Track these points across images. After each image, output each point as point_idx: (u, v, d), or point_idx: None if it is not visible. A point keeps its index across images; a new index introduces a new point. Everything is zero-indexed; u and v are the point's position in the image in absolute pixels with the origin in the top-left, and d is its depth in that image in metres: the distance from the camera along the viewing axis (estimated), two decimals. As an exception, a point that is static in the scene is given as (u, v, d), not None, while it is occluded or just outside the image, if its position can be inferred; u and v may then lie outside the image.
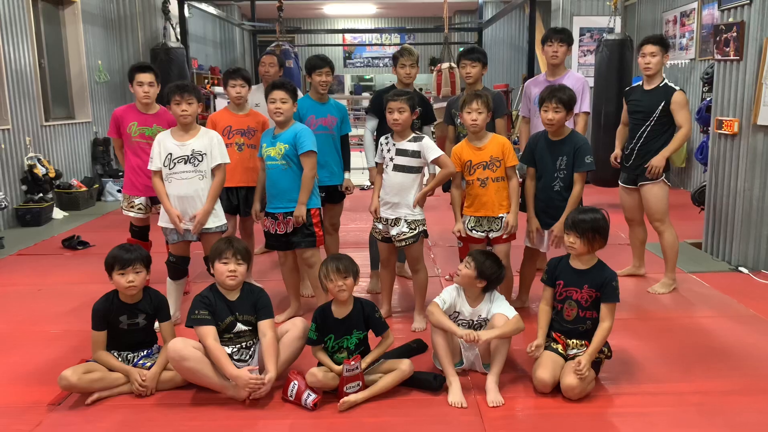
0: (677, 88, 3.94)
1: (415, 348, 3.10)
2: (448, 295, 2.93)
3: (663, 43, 3.96)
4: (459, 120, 3.99)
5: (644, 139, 4.00)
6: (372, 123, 4.01)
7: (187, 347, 2.69)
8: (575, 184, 3.41)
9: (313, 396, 2.65)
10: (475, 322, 2.92)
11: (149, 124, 3.81)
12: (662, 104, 3.91)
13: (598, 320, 2.81)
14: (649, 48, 3.94)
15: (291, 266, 3.64)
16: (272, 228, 3.49)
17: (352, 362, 2.67)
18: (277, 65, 4.53)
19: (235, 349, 2.79)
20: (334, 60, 16.73)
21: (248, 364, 2.79)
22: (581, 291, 2.80)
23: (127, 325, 2.84)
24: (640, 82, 4.12)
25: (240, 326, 2.81)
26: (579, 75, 4.29)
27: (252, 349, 2.84)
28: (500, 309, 2.87)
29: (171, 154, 3.34)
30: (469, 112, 3.33)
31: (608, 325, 2.78)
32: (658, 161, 3.92)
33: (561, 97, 3.31)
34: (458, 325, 2.90)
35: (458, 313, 2.93)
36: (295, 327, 2.89)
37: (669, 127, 3.95)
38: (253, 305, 2.84)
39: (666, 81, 3.98)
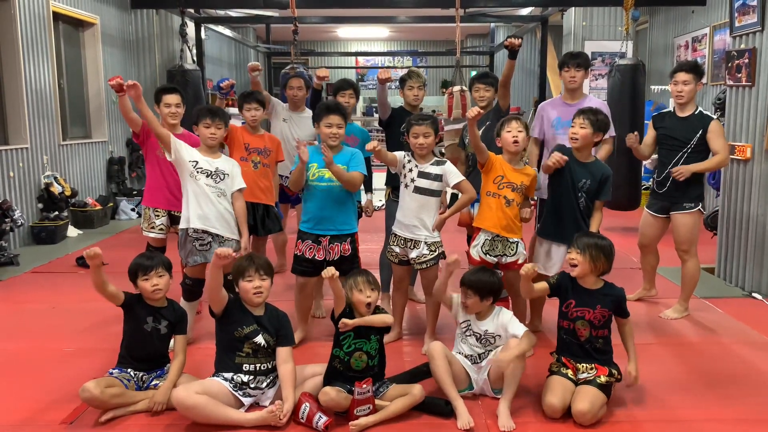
0: (714, 117, 3.92)
1: (425, 371, 3.09)
2: (455, 303, 3.04)
3: (696, 71, 3.91)
4: (467, 140, 4.05)
5: (681, 165, 3.91)
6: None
7: (191, 396, 2.62)
8: (596, 211, 3.46)
9: (324, 419, 2.64)
10: (483, 337, 2.94)
11: None
12: (699, 133, 3.87)
13: (609, 339, 2.85)
14: (682, 76, 3.90)
15: (309, 293, 3.61)
16: (309, 252, 3.44)
17: (364, 385, 2.68)
18: (304, 87, 4.63)
19: (251, 378, 2.77)
20: (347, 82, 17.01)
21: (263, 393, 2.80)
22: (594, 311, 2.81)
23: (151, 328, 2.87)
24: (670, 109, 4.07)
25: (261, 339, 2.78)
26: (599, 100, 4.19)
27: (270, 377, 2.83)
28: (512, 329, 2.89)
29: (197, 162, 3.42)
30: (509, 131, 3.35)
31: (630, 327, 2.87)
32: (686, 169, 3.87)
33: (589, 116, 3.38)
34: (468, 336, 2.97)
35: (468, 322, 2.98)
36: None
37: (705, 155, 3.91)
38: (275, 329, 2.84)
39: (700, 109, 3.95)
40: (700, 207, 3.95)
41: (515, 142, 3.34)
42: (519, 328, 2.88)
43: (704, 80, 7.53)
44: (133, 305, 2.89)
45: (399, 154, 3.46)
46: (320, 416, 2.64)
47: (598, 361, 2.83)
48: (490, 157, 3.40)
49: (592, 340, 2.84)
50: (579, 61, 4.03)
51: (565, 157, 3.36)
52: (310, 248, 3.43)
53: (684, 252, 4.02)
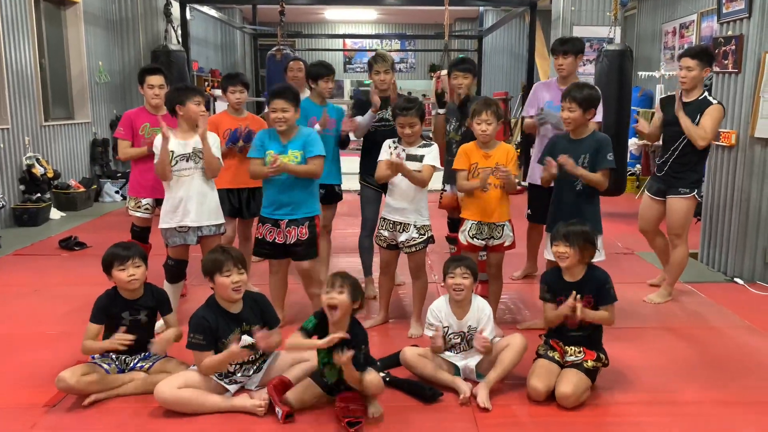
0: (715, 102, 3.85)
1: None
2: (434, 318, 2.96)
3: (701, 57, 3.81)
4: (451, 127, 4.04)
5: (680, 151, 3.88)
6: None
7: (173, 392, 2.61)
8: (602, 178, 3.32)
9: (281, 412, 2.59)
10: (466, 334, 2.94)
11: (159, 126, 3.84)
12: (698, 117, 3.81)
13: (599, 325, 2.86)
14: (686, 61, 3.84)
15: (283, 276, 3.57)
16: (269, 236, 3.43)
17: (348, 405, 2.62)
18: (304, 70, 4.59)
19: (237, 367, 2.76)
20: (334, 65, 16.89)
21: (250, 378, 2.80)
22: (582, 301, 2.80)
23: (129, 322, 2.83)
24: (680, 93, 3.95)
25: (246, 339, 2.73)
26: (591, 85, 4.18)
27: (257, 364, 2.82)
28: (488, 330, 2.89)
29: (173, 151, 3.36)
30: (479, 123, 3.35)
31: (609, 315, 2.83)
32: (679, 108, 3.80)
33: (575, 95, 3.29)
34: (450, 339, 2.94)
35: (448, 327, 2.94)
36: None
37: None
38: (259, 316, 2.81)
39: (706, 95, 3.88)
40: (695, 194, 3.91)
41: (484, 132, 3.35)
42: (491, 334, 2.89)
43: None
44: (108, 306, 2.81)
45: (384, 154, 3.42)
46: (278, 410, 2.60)
47: (586, 345, 2.85)
48: (462, 152, 3.44)
49: (582, 329, 2.85)
50: (566, 47, 4.00)
51: (554, 165, 3.27)
52: (270, 231, 3.43)
53: (675, 236, 4.01)
